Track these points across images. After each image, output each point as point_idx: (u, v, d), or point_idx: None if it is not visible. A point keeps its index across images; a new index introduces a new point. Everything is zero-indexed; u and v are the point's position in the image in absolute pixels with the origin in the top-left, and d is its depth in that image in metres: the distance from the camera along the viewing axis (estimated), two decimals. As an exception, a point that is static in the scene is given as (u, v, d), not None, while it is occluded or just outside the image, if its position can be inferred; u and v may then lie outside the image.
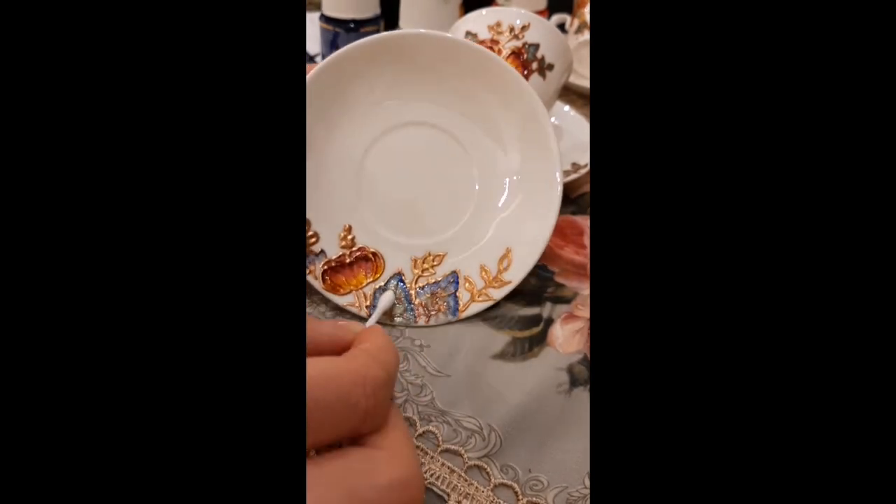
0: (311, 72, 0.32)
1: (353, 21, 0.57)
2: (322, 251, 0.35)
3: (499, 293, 0.35)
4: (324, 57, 0.60)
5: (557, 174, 0.35)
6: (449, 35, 0.34)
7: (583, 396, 0.30)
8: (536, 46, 0.43)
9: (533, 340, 0.34)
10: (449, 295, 0.35)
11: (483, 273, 0.36)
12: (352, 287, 0.35)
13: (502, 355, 0.32)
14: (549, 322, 0.35)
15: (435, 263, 0.36)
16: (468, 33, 0.44)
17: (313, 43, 0.64)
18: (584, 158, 0.47)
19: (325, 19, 0.58)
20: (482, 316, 0.35)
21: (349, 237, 0.36)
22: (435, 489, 0.26)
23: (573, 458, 0.27)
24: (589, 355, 0.33)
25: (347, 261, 0.35)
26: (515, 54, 0.43)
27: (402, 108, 0.35)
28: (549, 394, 0.30)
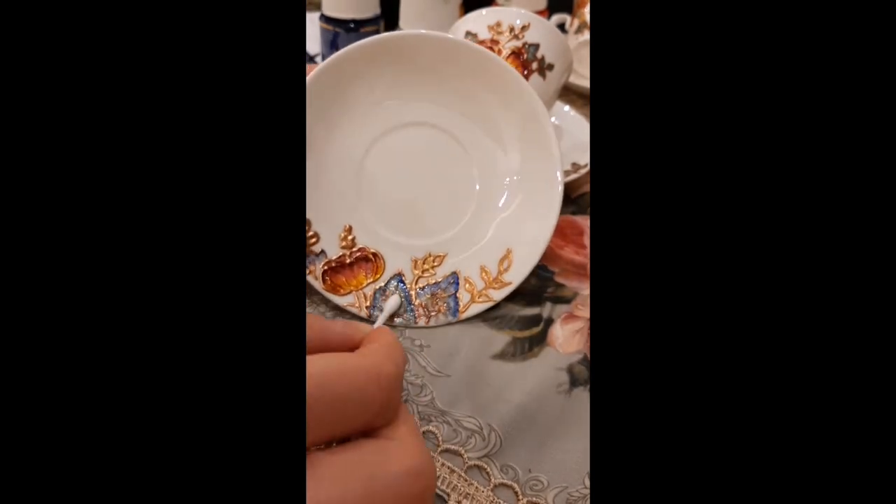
0: (312, 72, 0.32)
1: (353, 21, 0.57)
2: (322, 251, 0.35)
3: (499, 294, 0.35)
4: (324, 57, 0.61)
5: (558, 174, 0.35)
6: (449, 35, 0.34)
7: (583, 396, 0.30)
8: (536, 46, 0.43)
9: (533, 340, 0.34)
10: (449, 296, 0.35)
11: (483, 274, 0.36)
12: (352, 287, 0.35)
13: (502, 355, 0.33)
14: (549, 322, 0.35)
15: (435, 264, 0.36)
16: (468, 33, 0.44)
17: (313, 43, 0.64)
18: (584, 158, 0.47)
19: (325, 19, 0.58)
20: (482, 316, 0.35)
21: (349, 237, 0.36)
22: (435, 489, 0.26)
23: (573, 458, 0.27)
24: (589, 355, 0.33)
25: (348, 261, 0.35)
26: (515, 54, 0.43)
27: (403, 108, 0.35)
28: (549, 394, 0.30)
